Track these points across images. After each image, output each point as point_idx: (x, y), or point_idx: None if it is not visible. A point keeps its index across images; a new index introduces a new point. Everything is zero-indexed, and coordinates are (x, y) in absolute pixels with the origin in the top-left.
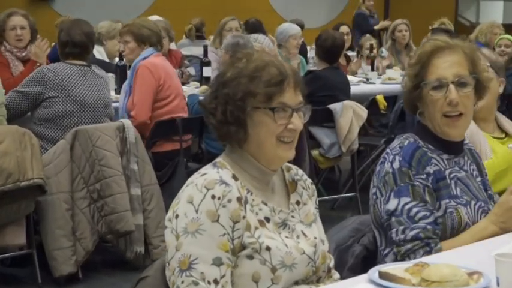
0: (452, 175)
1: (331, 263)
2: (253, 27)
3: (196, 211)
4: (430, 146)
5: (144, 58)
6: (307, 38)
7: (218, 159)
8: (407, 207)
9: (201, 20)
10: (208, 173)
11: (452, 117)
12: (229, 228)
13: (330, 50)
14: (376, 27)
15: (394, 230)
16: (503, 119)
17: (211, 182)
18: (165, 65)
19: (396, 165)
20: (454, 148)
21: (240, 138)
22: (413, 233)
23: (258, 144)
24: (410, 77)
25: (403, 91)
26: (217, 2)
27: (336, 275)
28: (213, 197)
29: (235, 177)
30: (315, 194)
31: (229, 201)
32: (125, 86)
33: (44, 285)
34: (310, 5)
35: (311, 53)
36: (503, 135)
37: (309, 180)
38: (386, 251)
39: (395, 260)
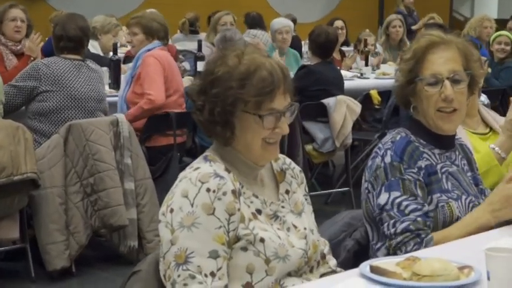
0: (443, 170)
1: (326, 249)
2: (253, 21)
3: (192, 205)
4: (421, 140)
5: (149, 50)
6: (302, 33)
7: (208, 153)
8: (397, 201)
9: (195, 15)
10: (202, 167)
11: (446, 113)
12: (224, 221)
13: (323, 45)
14: (414, 27)
15: (386, 224)
16: (486, 113)
17: (206, 176)
18: (169, 59)
19: (388, 159)
20: (446, 143)
21: (226, 138)
22: (403, 225)
23: (244, 145)
24: (404, 72)
25: (396, 85)
26: None
27: (332, 260)
28: (208, 190)
29: (227, 170)
30: (304, 181)
31: (224, 194)
32: (126, 76)
33: (37, 280)
34: (305, 0)
35: (305, 47)
36: (487, 130)
37: (298, 168)
38: (378, 245)
39: (387, 254)
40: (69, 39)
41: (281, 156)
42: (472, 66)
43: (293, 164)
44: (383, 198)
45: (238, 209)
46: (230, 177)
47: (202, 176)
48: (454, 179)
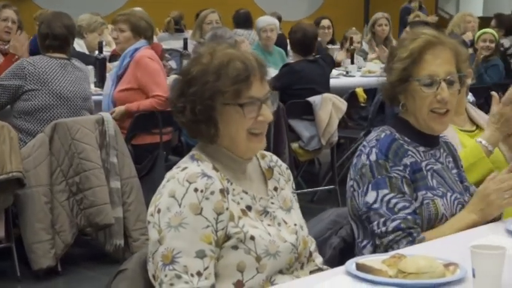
0: (428, 167)
1: (313, 247)
2: (241, 19)
3: (180, 205)
4: (406, 138)
5: (136, 49)
6: (288, 31)
7: (194, 152)
8: (385, 199)
9: (179, 13)
10: (189, 167)
11: (439, 114)
12: (213, 220)
13: (301, 42)
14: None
15: (375, 222)
16: (473, 111)
17: (193, 176)
18: (158, 60)
19: (373, 157)
20: (431, 141)
21: (211, 135)
22: (394, 224)
23: (230, 138)
24: (398, 70)
25: (386, 82)
26: None
27: (319, 258)
28: (196, 190)
29: (215, 169)
30: (291, 178)
31: (212, 193)
32: (111, 74)
33: (23, 279)
34: None
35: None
36: (474, 128)
37: (284, 165)
38: (364, 243)
39: (373, 251)
40: (55, 38)
41: (268, 153)
42: (462, 67)
43: (280, 161)
44: (371, 196)
45: (227, 208)
46: (218, 176)
47: (189, 176)
48: (439, 176)
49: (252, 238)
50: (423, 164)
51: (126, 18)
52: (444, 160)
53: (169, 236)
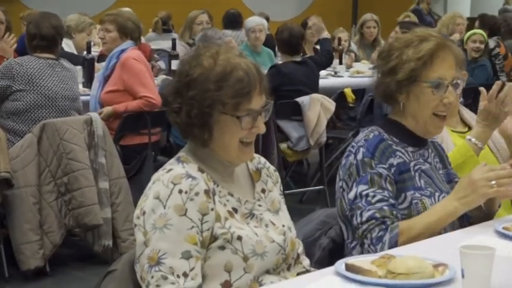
0: (416, 167)
1: (300, 249)
2: (229, 19)
3: (164, 206)
4: (394, 138)
5: (123, 50)
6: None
7: (181, 154)
8: (364, 192)
9: (167, 13)
10: (174, 169)
11: (441, 117)
12: (197, 221)
13: (288, 41)
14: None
15: (354, 216)
16: (466, 113)
17: (178, 177)
18: (145, 61)
19: (359, 156)
20: (419, 141)
21: (204, 139)
22: (368, 213)
23: (222, 146)
24: (407, 70)
25: (387, 80)
26: None
27: (306, 261)
28: (180, 191)
29: (201, 170)
30: (279, 180)
31: (197, 194)
32: (98, 75)
33: (11, 279)
34: None
35: None
36: (466, 129)
37: (272, 168)
38: (354, 243)
39: (362, 252)
40: (43, 38)
41: (256, 155)
42: (463, 72)
43: (268, 163)
44: (353, 193)
45: (212, 209)
46: (203, 177)
47: (174, 178)
48: (427, 176)
49: (239, 238)
50: (411, 164)
51: (113, 18)
52: (432, 160)
53: (155, 237)
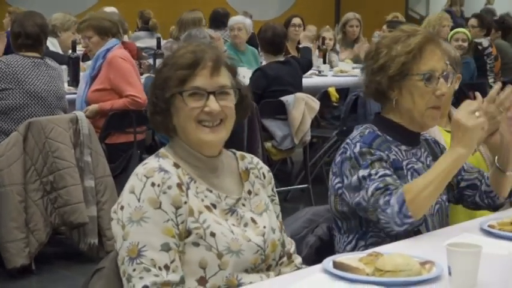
0: (409, 166)
1: (292, 248)
2: (210, 19)
3: (139, 200)
4: (388, 137)
5: (108, 50)
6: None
7: (161, 150)
8: (366, 174)
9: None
10: (149, 163)
11: (436, 108)
12: (172, 214)
13: (271, 40)
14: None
15: (361, 197)
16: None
17: (151, 171)
18: (131, 60)
19: (356, 149)
20: (412, 140)
21: (168, 128)
22: (372, 187)
23: (182, 130)
24: (398, 64)
25: (379, 77)
26: None
27: (298, 259)
28: (153, 184)
29: (176, 165)
30: (272, 181)
31: (169, 187)
32: (85, 75)
33: None
34: None
35: None
36: None
37: (265, 168)
38: (350, 238)
39: (355, 246)
40: (28, 37)
41: (248, 155)
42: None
43: (261, 164)
44: (354, 178)
45: (185, 202)
46: (178, 172)
47: (147, 171)
48: (418, 175)
49: (213, 235)
50: (404, 163)
51: (88, 24)
52: (424, 159)
53: (133, 230)
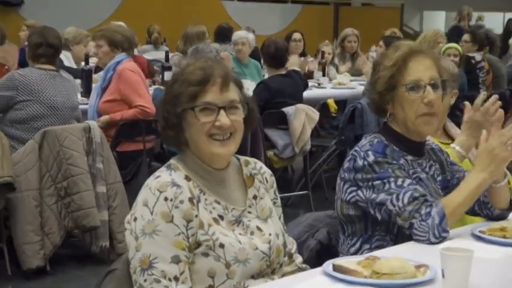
0: (415, 175)
1: (294, 248)
2: (216, 33)
3: (152, 213)
4: (394, 147)
5: (118, 62)
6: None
7: (172, 161)
8: (391, 179)
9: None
10: (162, 176)
11: (428, 115)
12: (183, 228)
13: (274, 54)
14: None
15: (388, 202)
16: (451, 126)
17: (164, 185)
18: (140, 72)
19: (371, 158)
20: (417, 150)
21: (180, 142)
22: (407, 195)
23: (195, 144)
24: (384, 78)
25: (373, 95)
26: (174, 10)
27: (299, 258)
28: (166, 199)
29: (187, 178)
30: (274, 185)
31: (181, 202)
32: (96, 87)
33: (13, 278)
34: (264, 13)
35: None
36: (450, 141)
37: (268, 172)
38: (354, 240)
39: (359, 249)
40: (49, 46)
41: (252, 160)
42: (443, 73)
43: (264, 169)
44: (378, 186)
45: (196, 215)
46: (189, 185)
47: (160, 186)
48: (424, 185)
49: (222, 246)
50: (410, 172)
51: (102, 34)
52: (429, 170)
53: (145, 242)
